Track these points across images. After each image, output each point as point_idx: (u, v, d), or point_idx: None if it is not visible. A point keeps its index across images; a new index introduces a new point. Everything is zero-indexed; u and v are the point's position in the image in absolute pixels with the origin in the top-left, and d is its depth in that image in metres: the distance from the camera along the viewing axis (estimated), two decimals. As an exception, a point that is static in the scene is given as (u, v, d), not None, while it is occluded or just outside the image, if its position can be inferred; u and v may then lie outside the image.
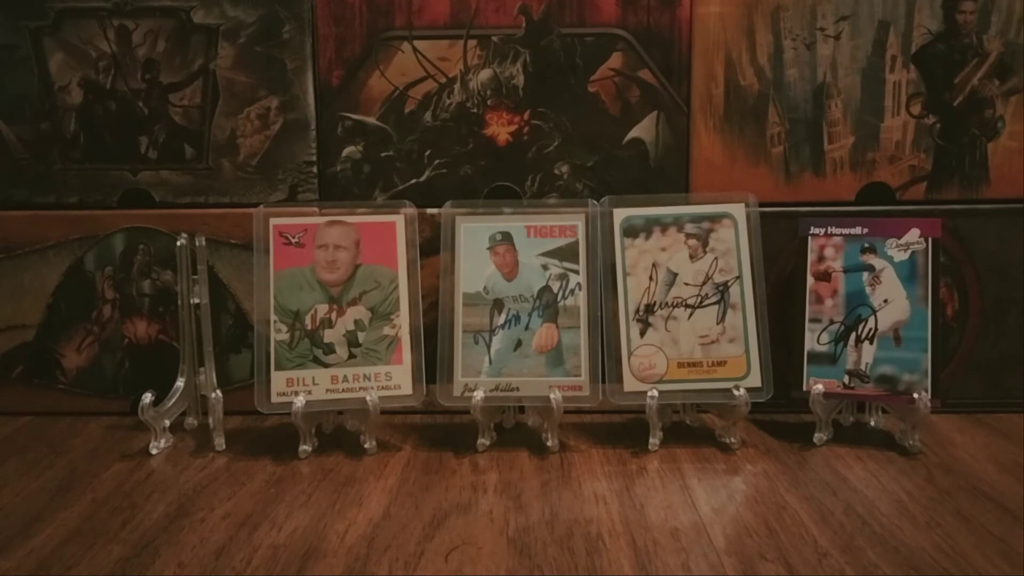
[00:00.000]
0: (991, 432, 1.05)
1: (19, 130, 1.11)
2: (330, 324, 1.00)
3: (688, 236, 1.03)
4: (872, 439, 1.03)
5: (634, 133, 1.10)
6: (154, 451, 1.00)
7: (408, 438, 1.04)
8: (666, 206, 1.03)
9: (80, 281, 1.11)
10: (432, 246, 1.07)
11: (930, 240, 1.02)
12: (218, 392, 1.01)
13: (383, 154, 1.11)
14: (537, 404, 1.01)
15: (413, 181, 1.11)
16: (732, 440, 1.00)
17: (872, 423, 1.06)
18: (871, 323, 1.01)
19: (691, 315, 1.01)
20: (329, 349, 1.00)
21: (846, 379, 1.01)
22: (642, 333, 1.01)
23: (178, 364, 1.05)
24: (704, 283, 1.02)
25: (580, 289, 1.02)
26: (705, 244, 1.02)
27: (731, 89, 1.09)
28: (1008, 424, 1.07)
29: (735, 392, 0.98)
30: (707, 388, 1.00)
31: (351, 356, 1.00)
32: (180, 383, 1.05)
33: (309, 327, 1.00)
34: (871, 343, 1.01)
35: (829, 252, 1.03)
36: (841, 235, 1.03)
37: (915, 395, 0.98)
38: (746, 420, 1.03)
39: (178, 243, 1.04)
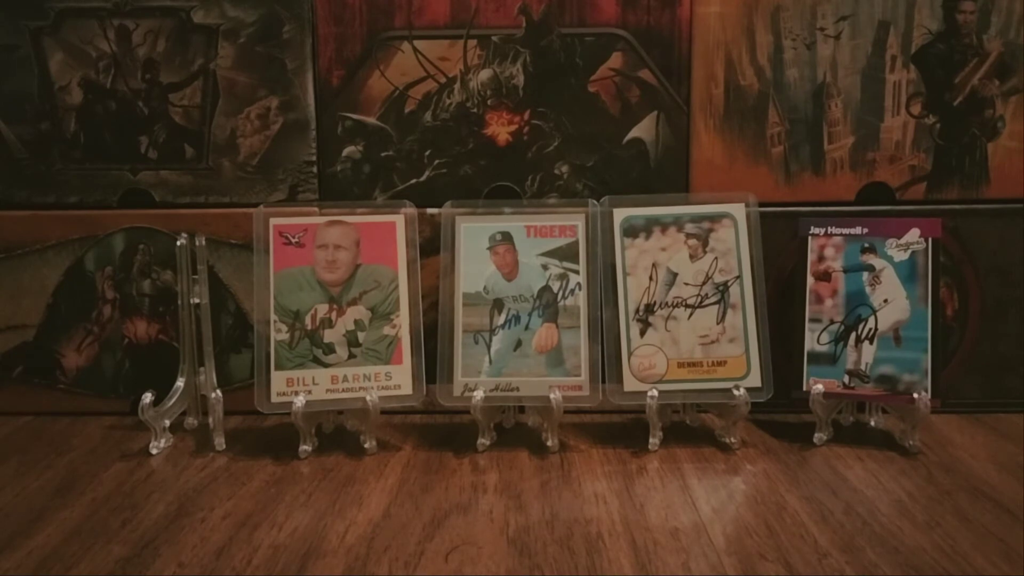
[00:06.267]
0: (991, 432, 1.05)
1: (19, 130, 1.11)
2: (330, 324, 1.00)
3: (688, 236, 1.03)
4: (872, 439, 1.03)
5: (634, 133, 1.10)
6: (154, 451, 1.00)
7: (408, 438, 1.04)
8: (666, 206, 1.03)
9: (80, 281, 1.11)
10: (432, 246, 1.07)
11: (930, 240, 1.02)
12: (218, 392, 1.01)
13: (383, 154, 1.11)
14: (537, 404, 1.01)
15: (413, 181, 1.11)
16: (732, 440, 1.00)
17: (872, 423, 1.06)
18: (871, 323, 1.01)
19: (691, 315, 1.01)
20: (329, 349, 1.00)
21: (846, 379, 1.01)
22: (642, 333, 1.01)
23: (178, 364, 1.05)
24: (704, 283, 1.02)
25: (580, 289, 1.02)
26: (705, 244, 1.02)
27: (731, 89, 1.09)
28: (1008, 424, 1.07)
29: (735, 392, 0.98)
30: (707, 388, 1.00)
31: (351, 356, 1.00)
32: (180, 383, 1.05)
33: (309, 327, 1.00)
34: (871, 343, 1.01)
35: (829, 252, 1.03)
36: (841, 235, 1.03)
37: (915, 395, 0.98)
38: (746, 420, 1.03)
39: (178, 243, 1.04)
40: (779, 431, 1.05)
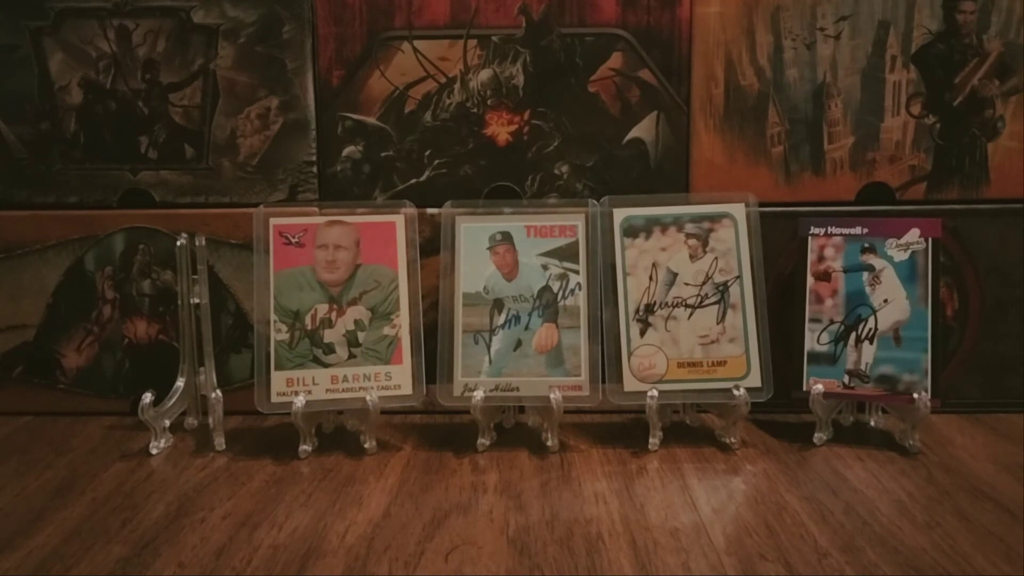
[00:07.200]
0: (991, 432, 1.05)
1: (19, 130, 1.11)
2: (330, 324, 1.00)
3: (688, 236, 1.03)
4: (872, 439, 1.03)
5: (634, 133, 1.10)
6: (154, 451, 1.00)
7: (408, 438, 1.04)
8: (666, 206, 1.03)
9: (80, 281, 1.11)
10: (432, 246, 1.07)
11: (930, 240, 1.02)
12: (218, 392, 1.01)
13: (383, 154, 1.11)
14: (537, 404, 1.01)
15: (413, 181, 1.11)
16: (732, 440, 1.00)
17: (872, 423, 1.06)
18: (871, 323, 1.01)
19: (691, 315, 1.01)
20: (329, 349, 1.00)
21: (846, 379, 1.01)
22: (642, 333, 1.01)
23: (178, 364, 1.05)
24: (704, 283, 1.02)
25: (580, 289, 1.02)
26: (705, 244, 1.02)
27: (731, 89, 1.09)
28: (1008, 424, 1.07)
29: (735, 392, 0.98)
30: (707, 388, 1.00)
31: (351, 356, 1.00)
32: (180, 383, 1.05)
33: (309, 327, 1.00)
34: (871, 343, 1.01)
35: (829, 252, 1.03)
36: (841, 235, 1.03)
37: (915, 395, 0.98)
38: (746, 420, 1.03)
39: (178, 243, 1.04)
40: (779, 431, 1.05)
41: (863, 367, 1.01)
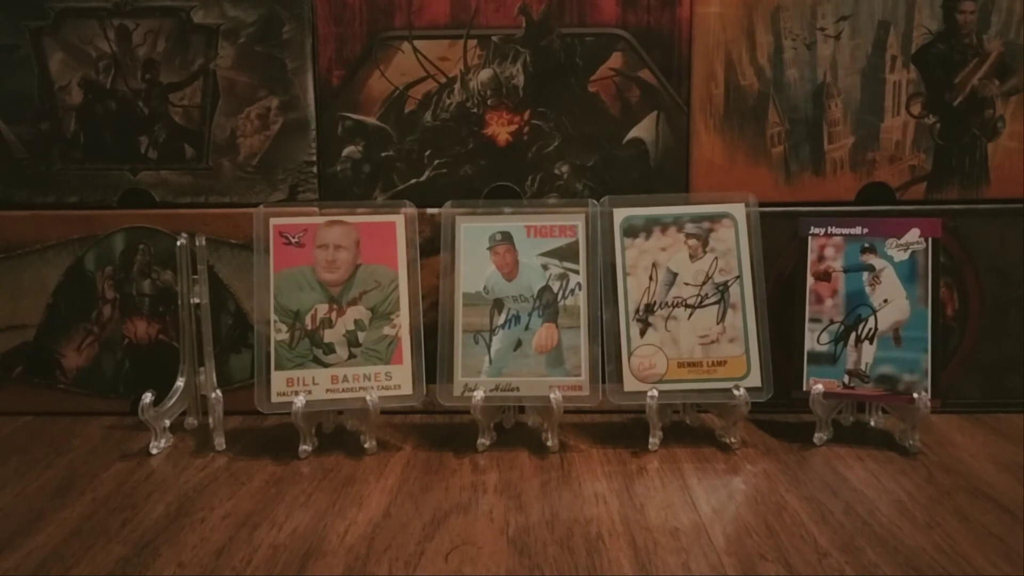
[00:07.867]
0: (991, 432, 1.05)
1: (19, 130, 1.11)
2: (330, 324, 1.00)
3: (688, 236, 1.03)
4: (872, 439, 1.03)
5: (634, 133, 1.10)
6: (154, 451, 1.00)
7: (408, 438, 1.04)
8: (666, 206, 1.03)
9: (80, 281, 1.11)
10: (432, 246, 1.07)
11: (930, 240, 1.02)
12: (218, 392, 1.01)
13: (383, 154, 1.11)
14: (537, 404, 1.01)
15: (413, 181, 1.11)
16: (732, 440, 1.00)
17: (872, 423, 1.06)
18: (871, 323, 1.01)
19: (691, 315, 1.01)
20: (329, 349, 1.00)
21: (846, 379, 1.01)
22: (642, 333, 1.01)
23: (178, 364, 1.05)
24: (704, 283, 1.02)
25: (580, 289, 1.02)
26: (705, 244, 1.02)
27: (731, 89, 1.09)
28: (1008, 424, 1.07)
29: (735, 392, 0.98)
30: (707, 388, 1.00)
31: (351, 356, 1.00)
32: (180, 383, 1.05)
33: (309, 327, 1.00)
34: (871, 343, 1.01)
35: (829, 252, 1.03)
36: (841, 235, 1.03)
37: (915, 395, 0.98)
38: (746, 420, 1.03)
39: (178, 243, 1.04)
40: (779, 431, 1.05)
41: (863, 367, 1.01)
